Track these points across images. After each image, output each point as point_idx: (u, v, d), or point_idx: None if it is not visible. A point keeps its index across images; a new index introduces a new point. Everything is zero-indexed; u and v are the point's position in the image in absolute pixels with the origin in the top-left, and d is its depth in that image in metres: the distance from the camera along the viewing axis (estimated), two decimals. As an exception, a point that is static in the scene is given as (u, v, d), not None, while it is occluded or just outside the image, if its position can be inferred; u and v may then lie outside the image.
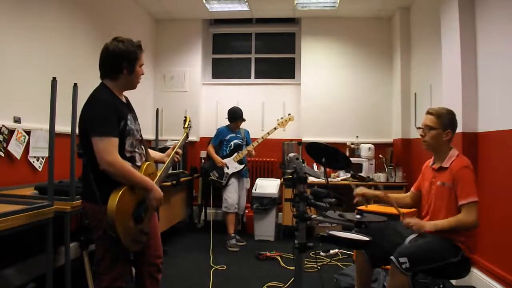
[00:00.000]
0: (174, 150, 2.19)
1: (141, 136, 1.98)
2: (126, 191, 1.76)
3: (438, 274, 2.09)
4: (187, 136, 2.39)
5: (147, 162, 1.98)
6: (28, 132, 2.98)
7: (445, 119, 2.17)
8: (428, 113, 2.24)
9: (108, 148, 1.71)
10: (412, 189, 2.48)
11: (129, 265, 1.92)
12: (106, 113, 1.76)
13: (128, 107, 1.96)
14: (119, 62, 1.85)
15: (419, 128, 2.32)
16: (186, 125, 2.44)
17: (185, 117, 2.48)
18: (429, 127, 2.20)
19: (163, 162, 2.18)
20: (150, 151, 2.14)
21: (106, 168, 1.71)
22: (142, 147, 2.00)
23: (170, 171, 4.20)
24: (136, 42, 1.92)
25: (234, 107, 4.56)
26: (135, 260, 2.02)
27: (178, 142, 2.26)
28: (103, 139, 1.71)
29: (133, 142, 1.89)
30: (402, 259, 1.93)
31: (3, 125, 2.75)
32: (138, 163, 1.92)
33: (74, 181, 2.40)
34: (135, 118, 1.96)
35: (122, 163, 1.75)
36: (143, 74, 1.97)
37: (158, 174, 2.03)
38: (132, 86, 1.96)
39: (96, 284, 1.85)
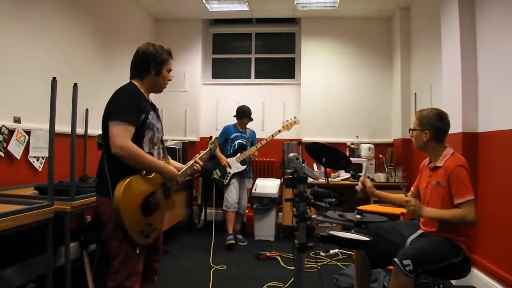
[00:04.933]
0: (194, 159, 2.18)
1: (162, 137, 2.06)
2: (135, 180, 1.80)
3: (439, 275, 2.09)
4: (210, 151, 2.37)
5: (165, 161, 2.04)
6: (28, 132, 2.98)
7: (423, 120, 2.22)
8: (415, 114, 2.33)
9: (122, 133, 1.76)
10: (412, 188, 2.49)
11: (141, 263, 1.91)
12: (128, 102, 1.84)
13: (153, 107, 2.03)
14: (147, 62, 1.96)
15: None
16: (211, 141, 2.40)
17: (211, 136, 2.48)
18: (412, 128, 2.30)
19: None
20: (171, 161, 2.20)
21: (117, 152, 1.74)
22: (162, 147, 2.05)
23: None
24: (167, 49, 2.04)
25: (244, 105, 4.51)
26: None
27: (201, 154, 2.27)
28: (119, 123, 1.77)
29: (153, 138, 1.95)
30: (405, 262, 1.92)
31: (3, 125, 2.75)
32: None
33: (74, 181, 2.40)
34: (158, 118, 2.05)
35: (134, 147, 1.78)
36: (170, 80, 2.07)
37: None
38: (158, 88, 2.07)
39: (109, 282, 1.85)
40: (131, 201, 1.78)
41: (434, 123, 2.20)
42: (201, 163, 2.18)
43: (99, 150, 1.92)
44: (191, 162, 2.16)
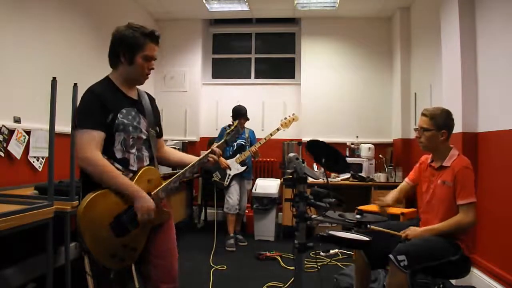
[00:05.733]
0: (208, 151, 1.81)
1: (148, 136, 1.73)
2: (104, 195, 1.54)
3: (437, 273, 2.09)
4: (225, 142, 1.93)
5: (147, 167, 1.70)
6: (28, 132, 2.98)
7: (439, 120, 2.16)
8: (422, 114, 2.23)
9: (85, 143, 1.51)
10: (407, 179, 2.44)
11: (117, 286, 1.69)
12: (89, 105, 1.57)
13: (132, 102, 1.71)
14: (117, 49, 1.63)
15: (415, 129, 2.32)
16: (231, 129, 1.95)
17: (232, 123, 2.10)
18: (423, 128, 2.20)
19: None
20: (177, 152, 1.95)
21: (82, 166, 1.53)
22: (144, 148, 1.73)
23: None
24: (147, 29, 1.63)
25: (239, 105, 4.46)
26: (143, 277, 1.79)
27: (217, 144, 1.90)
28: (81, 132, 1.53)
29: (126, 140, 1.63)
30: (400, 257, 1.94)
31: (3, 125, 2.75)
32: (133, 167, 1.66)
33: (74, 181, 2.40)
34: (141, 114, 1.71)
35: (100, 161, 1.52)
36: (151, 68, 1.70)
37: (166, 182, 1.72)
38: (136, 79, 1.70)
39: None
40: (98, 218, 1.51)
41: (449, 122, 2.18)
42: (219, 151, 1.81)
43: None
44: (206, 152, 1.81)
